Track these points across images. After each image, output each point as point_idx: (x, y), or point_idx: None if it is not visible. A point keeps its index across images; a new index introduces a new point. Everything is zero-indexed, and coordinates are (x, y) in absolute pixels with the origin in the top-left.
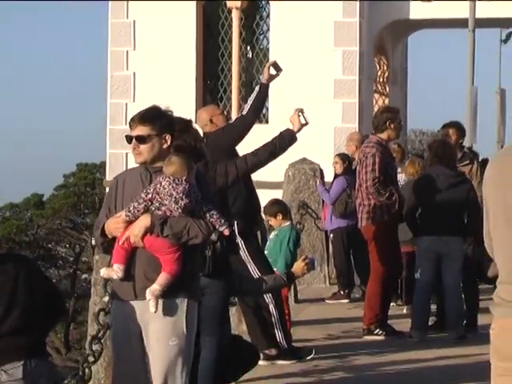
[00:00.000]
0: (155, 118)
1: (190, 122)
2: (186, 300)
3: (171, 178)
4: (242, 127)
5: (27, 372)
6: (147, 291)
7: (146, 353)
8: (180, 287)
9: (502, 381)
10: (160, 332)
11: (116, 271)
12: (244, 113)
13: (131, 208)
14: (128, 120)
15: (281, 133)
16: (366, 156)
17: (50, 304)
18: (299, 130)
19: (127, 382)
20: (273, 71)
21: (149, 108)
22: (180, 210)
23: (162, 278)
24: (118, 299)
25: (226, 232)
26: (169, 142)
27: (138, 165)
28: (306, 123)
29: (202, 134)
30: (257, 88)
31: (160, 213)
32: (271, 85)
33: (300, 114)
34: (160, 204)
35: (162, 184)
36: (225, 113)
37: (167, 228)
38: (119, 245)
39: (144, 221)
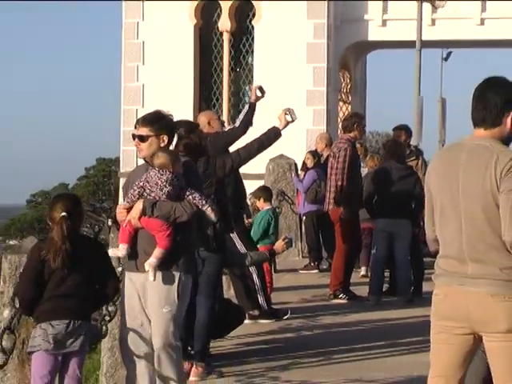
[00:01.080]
0: (154, 121)
1: (196, 124)
2: (178, 273)
3: (157, 170)
4: (233, 137)
5: (70, 329)
6: (146, 264)
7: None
8: (173, 262)
9: (438, 337)
10: (155, 300)
11: (120, 250)
12: (236, 125)
13: (129, 195)
14: None
15: (268, 130)
16: (339, 149)
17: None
18: (285, 127)
19: (128, 333)
20: (259, 93)
21: (152, 112)
22: (164, 196)
23: (157, 252)
24: (127, 271)
25: (209, 210)
26: (166, 142)
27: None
28: (293, 120)
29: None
30: (246, 106)
31: (151, 198)
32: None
33: (288, 112)
34: (150, 191)
35: (150, 174)
36: (218, 116)
37: (156, 210)
38: (123, 227)
39: (138, 205)
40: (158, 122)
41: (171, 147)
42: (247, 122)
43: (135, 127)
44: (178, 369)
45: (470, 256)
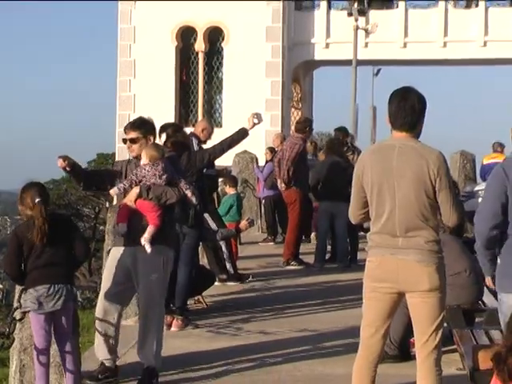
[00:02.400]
0: (141, 126)
1: (181, 126)
2: (165, 247)
3: (151, 163)
4: (212, 153)
5: (51, 292)
6: (142, 239)
7: (132, 282)
8: (161, 237)
9: (370, 295)
10: (146, 269)
11: (121, 227)
12: (220, 144)
13: (127, 184)
14: None
15: (238, 130)
16: (293, 143)
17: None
18: (252, 128)
19: (113, 297)
20: (256, 120)
21: (137, 118)
22: (164, 182)
23: (150, 229)
24: (117, 246)
25: (189, 194)
26: (152, 141)
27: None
28: (259, 122)
29: (199, 136)
30: (236, 131)
31: (146, 185)
32: (227, 100)
33: (255, 116)
34: (146, 181)
35: (146, 169)
36: (211, 126)
37: (151, 193)
38: (120, 209)
39: (135, 190)
40: (144, 126)
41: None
42: (230, 146)
43: (124, 132)
44: (160, 325)
45: (401, 232)
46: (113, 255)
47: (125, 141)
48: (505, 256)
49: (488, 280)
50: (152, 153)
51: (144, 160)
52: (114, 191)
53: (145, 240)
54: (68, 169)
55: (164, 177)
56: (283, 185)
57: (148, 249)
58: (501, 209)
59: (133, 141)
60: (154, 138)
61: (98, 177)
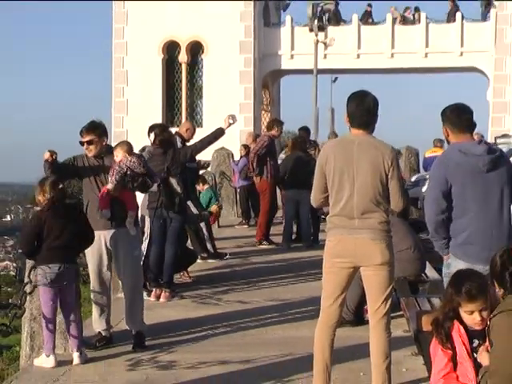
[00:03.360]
0: (95, 129)
1: (167, 126)
2: (138, 227)
3: (134, 157)
4: (194, 150)
5: (61, 270)
6: (127, 222)
7: (112, 261)
8: (136, 221)
9: (329, 270)
10: (128, 249)
11: (105, 213)
12: (201, 142)
13: (113, 177)
14: (124, 127)
15: (216, 129)
16: (261, 139)
17: (85, 235)
18: (227, 127)
19: (100, 276)
20: (231, 121)
21: (90, 122)
22: (144, 169)
23: (131, 213)
24: (99, 230)
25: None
26: (106, 141)
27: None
28: (234, 122)
29: (183, 135)
30: (214, 130)
31: (133, 174)
32: (207, 104)
33: (230, 117)
34: (135, 168)
35: (133, 160)
36: (193, 126)
37: (136, 183)
38: (103, 196)
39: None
40: (98, 128)
41: (150, 142)
42: (207, 143)
43: (81, 136)
44: (143, 295)
45: (357, 214)
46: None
47: (82, 143)
48: (455, 233)
49: (445, 258)
50: (126, 148)
51: (120, 156)
52: (110, 186)
53: (129, 223)
54: (50, 162)
55: (142, 165)
56: (257, 180)
57: (133, 231)
58: (443, 195)
59: (90, 142)
60: (107, 139)
61: (68, 171)
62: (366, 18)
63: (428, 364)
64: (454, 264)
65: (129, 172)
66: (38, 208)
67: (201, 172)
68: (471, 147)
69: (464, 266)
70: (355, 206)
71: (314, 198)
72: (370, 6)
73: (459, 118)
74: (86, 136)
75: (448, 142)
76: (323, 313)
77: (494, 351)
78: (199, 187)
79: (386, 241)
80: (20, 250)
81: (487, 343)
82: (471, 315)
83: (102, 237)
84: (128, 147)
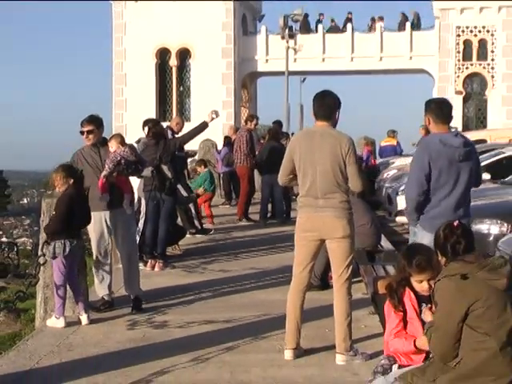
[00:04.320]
0: (95, 120)
1: (159, 120)
2: (132, 208)
3: (126, 147)
4: (182, 140)
5: (73, 245)
6: (124, 204)
7: (111, 236)
8: (131, 202)
9: (300, 242)
10: (125, 226)
11: (105, 197)
12: (188, 134)
13: (108, 165)
14: (123, 122)
15: (200, 123)
16: (241, 134)
17: (86, 216)
18: (211, 121)
19: (102, 250)
20: (214, 115)
21: (90, 115)
22: (135, 158)
23: (127, 196)
24: (99, 210)
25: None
26: (102, 133)
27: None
28: (217, 117)
29: (173, 128)
30: (199, 124)
31: (126, 162)
32: (194, 101)
33: (214, 112)
34: (127, 157)
35: (125, 150)
36: (182, 120)
37: (130, 169)
38: (102, 182)
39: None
40: (96, 120)
41: (143, 134)
42: (192, 136)
43: (82, 126)
44: (137, 264)
45: (321, 195)
46: (95, 218)
47: (82, 133)
48: (427, 209)
49: (411, 229)
50: (119, 140)
51: (114, 147)
52: (105, 172)
53: (126, 205)
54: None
55: (134, 155)
56: (238, 166)
57: (129, 211)
58: (425, 178)
59: (90, 132)
60: (103, 130)
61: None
62: (347, 24)
63: (383, 322)
64: (420, 234)
65: (123, 160)
66: (62, 190)
67: (189, 160)
68: (450, 139)
69: (429, 236)
70: (318, 188)
71: (280, 178)
72: (350, 13)
73: (442, 110)
74: (86, 126)
75: (427, 130)
76: (295, 278)
77: (438, 310)
78: (199, 169)
79: (346, 217)
80: (36, 228)
81: (429, 305)
82: (420, 283)
83: (103, 216)
84: (121, 139)
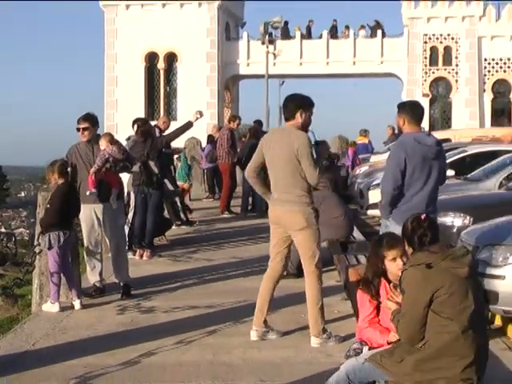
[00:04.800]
0: (90, 118)
1: (147, 120)
2: (120, 201)
3: (115, 146)
4: (168, 138)
5: (66, 236)
6: (111, 199)
7: (101, 230)
8: (119, 196)
9: (272, 234)
10: (113, 218)
11: (93, 192)
12: (174, 132)
13: (98, 162)
14: (114, 121)
15: (186, 122)
16: (223, 133)
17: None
18: (195, 121)
19: (92, 240)
20: (198, 115)
21: (86, 113)
22: (124, 156)
23: (114, 191)
24: (89, 203)
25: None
26: (97, 130)
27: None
28: (201, 117)
29: (160, 127)
30: (183, 123)
31: (111, 159)
32: (180, 102)
33: (198, 112)
34: (115, 156)
35: (113, 149)
36: (169, 120)
37: (118, 167)
38: (91, 178)
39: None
40: (92, 118)
41: (133, 132)
42: (177, 135)
43: (78, 123)
44: (125, 253)
45: (281, 190)
46: (86, 211)
47: (78, 129)
48: (400, 203)
49: (383, 222)
50: (108, 138)
51: (104, 145)
52: (93, 169)
53: (112, 200)
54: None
55: (122, 152)
56: (220, 162)
57: (115, 205)
58: (401, 174)
59: (85, 129)
60: (98, 127)
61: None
62: (334, 31)
63: (355, 307)
64: (392, 227)
65: (111, 158)
66: (55, 184)
67: (175, 156)
68: (424, 138)
69: (400, 229)
70: (280, 184)
71: (247, 171)
72: (335, 21)
73: (415, 112)
74: (82, 123)
75: (400, 130)
76: (269, 267)
77: (405, 298)
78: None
79: (305, 210)
80: (32, 220)
81: (387, 295)
82: (395, 262)
83: (93, 209)
84: (110, 137)
